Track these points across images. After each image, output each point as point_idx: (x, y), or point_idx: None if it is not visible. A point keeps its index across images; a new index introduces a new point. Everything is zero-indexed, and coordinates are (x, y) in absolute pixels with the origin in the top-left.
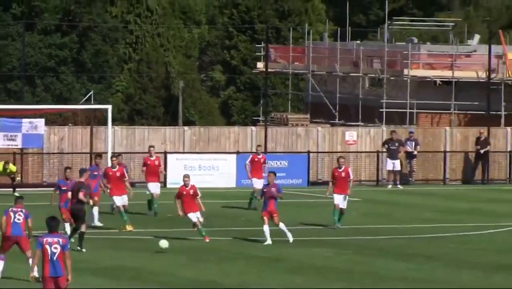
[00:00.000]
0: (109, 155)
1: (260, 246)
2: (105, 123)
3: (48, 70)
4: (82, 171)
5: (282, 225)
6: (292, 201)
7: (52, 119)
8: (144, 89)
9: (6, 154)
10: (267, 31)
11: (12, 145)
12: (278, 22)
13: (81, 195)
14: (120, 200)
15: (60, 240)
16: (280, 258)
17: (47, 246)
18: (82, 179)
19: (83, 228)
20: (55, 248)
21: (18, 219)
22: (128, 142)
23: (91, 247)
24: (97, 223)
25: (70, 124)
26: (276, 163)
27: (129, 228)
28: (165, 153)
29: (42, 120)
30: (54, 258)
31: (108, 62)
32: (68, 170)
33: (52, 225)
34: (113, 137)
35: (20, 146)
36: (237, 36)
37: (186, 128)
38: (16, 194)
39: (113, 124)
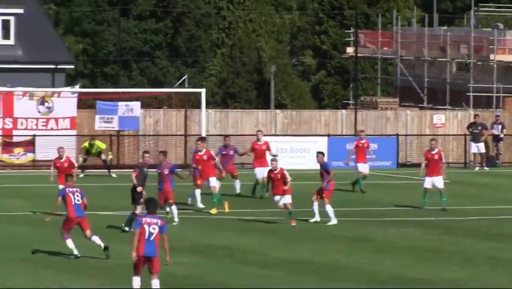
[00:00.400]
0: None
1: (349, 226)
2: (199, 106)
3: (143, 54)
4: (144, 153)
5: (328, 208)
6: (382, 183)
7: (148, 102)
8: (237, 73)
9: (103, 136)
10: (356, 17)
11: (108, 127)
12: (367, 8)
13: (133, 175)
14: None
15: (159, 221)
16: (369, 238)
17: (146, 226)
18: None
19: (138, 210)
20: (153, 228)
21: (78, 200)
22: (221, 125)
23: (188, 226)
24: (199, 205)
25: (165, 107)
26: None
27: (214, 211)
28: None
29: (138, 103)
30: (151, 238)
31: (202, 47)
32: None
33: (151, 206)
34: (207, 120)
35: (116, 128)
36: (327, 21)
37: (278, 111)
38: (114, 174)
39: (207, 107)
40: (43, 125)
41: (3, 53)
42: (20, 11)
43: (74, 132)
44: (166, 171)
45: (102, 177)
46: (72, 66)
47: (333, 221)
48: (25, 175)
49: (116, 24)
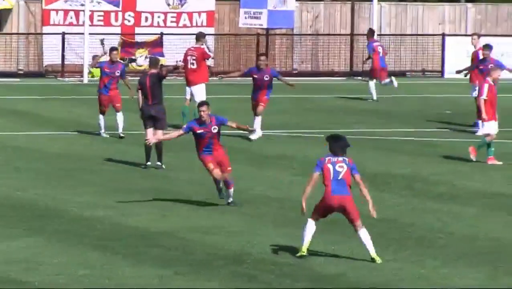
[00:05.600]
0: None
1: None
2: None
3: None
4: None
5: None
6: None
7: None
8: None
9: (248, 35)
10: None
11: (255, 24)
12: None
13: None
14: None
15: (346, 159)
16: None
17: (330, 165)
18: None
19: None
20: (340, 166)
21: None
22: (397, 22)
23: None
24: None
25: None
26: None
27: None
28: (443, 35)
29: None
30: (339, 178)
31: None
32: None
33: (338, 147)
34: (379, 16)
35: (265, 26)
36: None
37: (469, 5)
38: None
39: None
40: (173, 22)
41: None
42: None
43: (211, 30)
44: (266, 77)
45: None
46: None
47: None
48: None
49: None
